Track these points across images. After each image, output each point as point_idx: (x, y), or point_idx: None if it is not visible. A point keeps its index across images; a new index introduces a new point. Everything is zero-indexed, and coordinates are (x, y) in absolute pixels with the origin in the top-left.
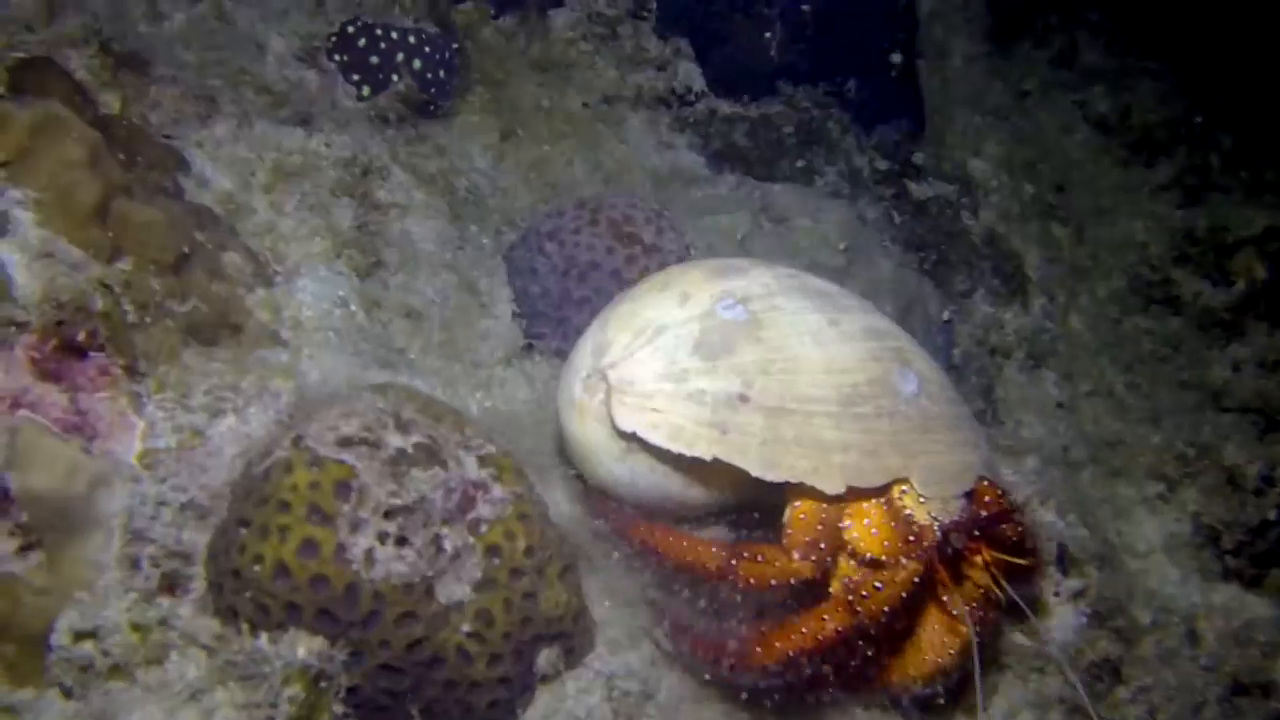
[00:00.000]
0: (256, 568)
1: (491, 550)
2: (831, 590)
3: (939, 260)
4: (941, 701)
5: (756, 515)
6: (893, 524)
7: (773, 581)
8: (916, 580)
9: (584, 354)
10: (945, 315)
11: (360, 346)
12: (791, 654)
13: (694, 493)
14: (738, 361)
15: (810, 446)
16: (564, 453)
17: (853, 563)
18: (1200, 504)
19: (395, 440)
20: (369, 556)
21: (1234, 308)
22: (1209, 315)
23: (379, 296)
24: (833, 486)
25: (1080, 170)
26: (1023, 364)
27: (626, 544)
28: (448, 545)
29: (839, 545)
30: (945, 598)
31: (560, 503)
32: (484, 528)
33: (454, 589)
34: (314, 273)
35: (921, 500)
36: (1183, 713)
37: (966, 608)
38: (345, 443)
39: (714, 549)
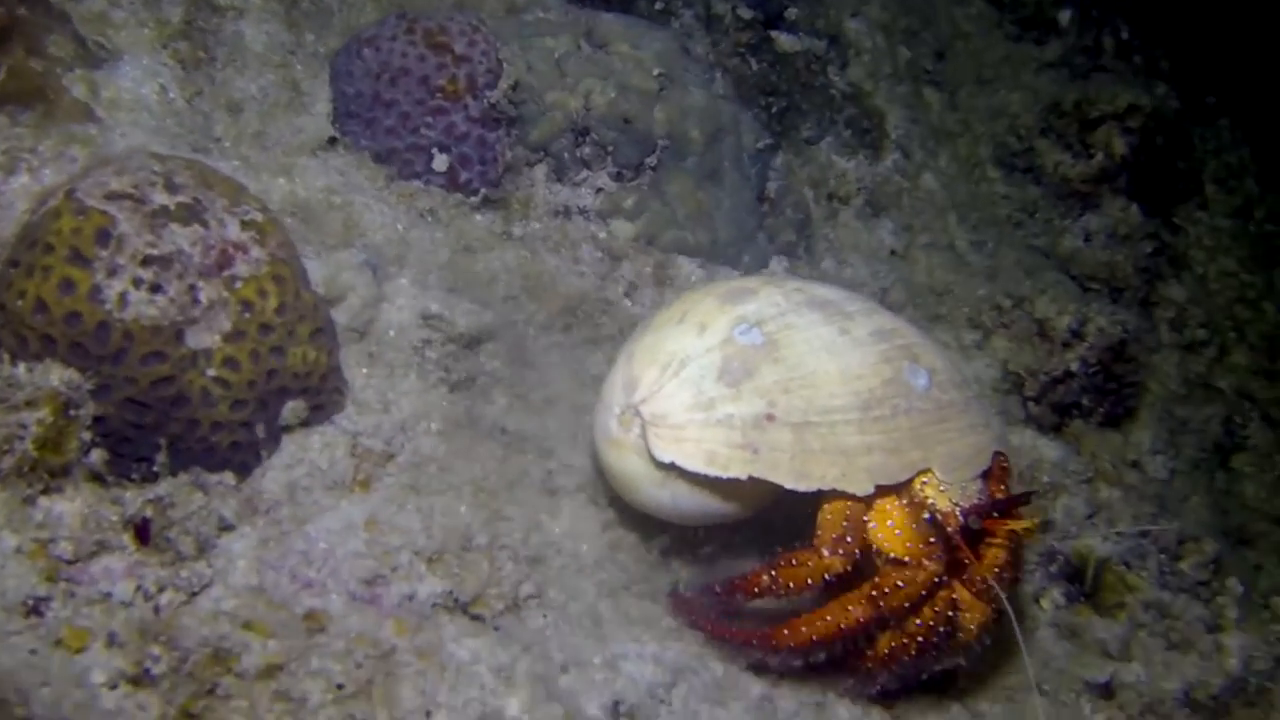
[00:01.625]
0: (19, 302)
1: (244, 305)
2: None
3: (788, 107)
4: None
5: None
6: (914, 524)
7: (809, 580)
8: (936, 580)
9: (615, 390)
10: (759, 144)
11: (174, 131)
12: (814, 639)
13: (731, 506)
14: (760, 384)
15: (836, 454)
16: (603, 478)
17: (878, 561)
18: (1009, 352)
19: (160, 198)
20: (122, 299)
21: (1091, 179)
22: (1066, 185)
23: (201, 87)
24: (861, 488)
25: (967, 41)
26: (860, 211)
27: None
28: (202, 297)
29: (866, 540)
30: (968, 576)
31: None
32: (238, 284)
33: (204, 337)
34: (138, 60)
35: (943, 488)
36: None
37: (991, 583)
38: (112, 196)
39: (759, 571)
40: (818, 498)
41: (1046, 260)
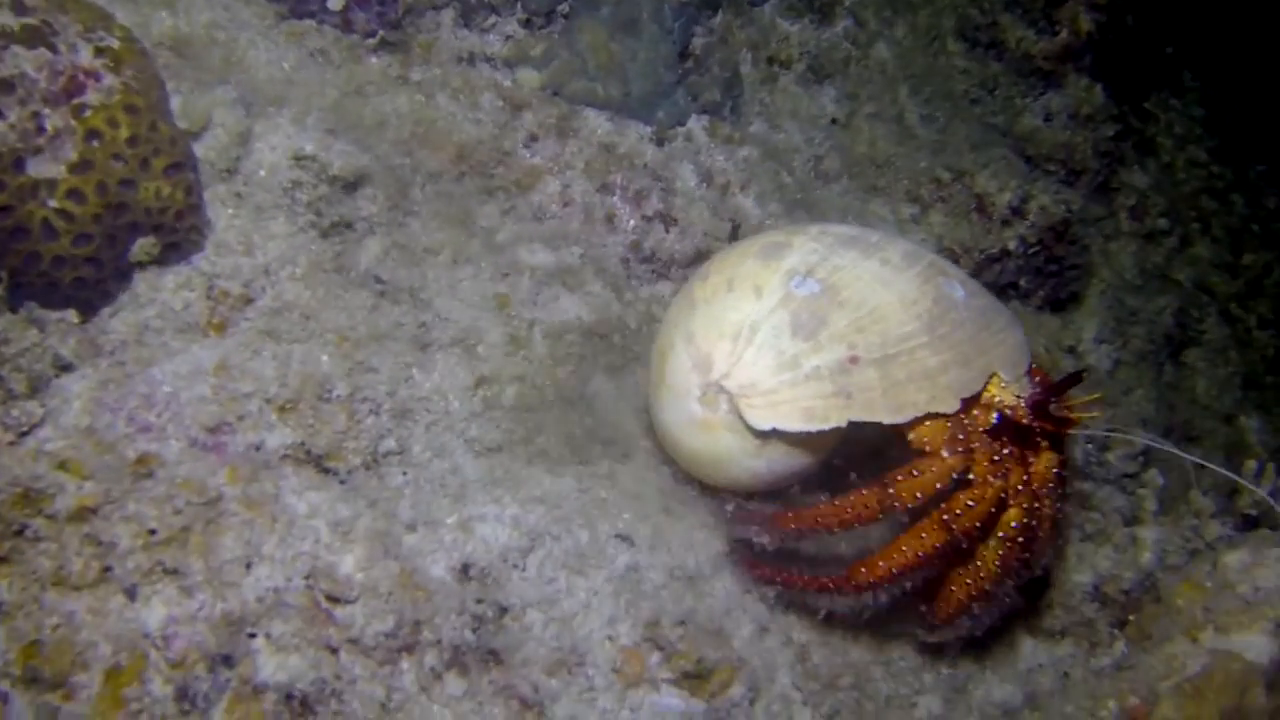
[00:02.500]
0: None
1: (92, 134)
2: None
3: None
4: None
5: None
6: (984, 446)
7: (938, 484)
8: (1002, 495)
9: (683, 372)
10: None
11: None
12: (893, 572)
13: (819, 457)
14: (834, 330)
15: (922, 379)
16: (685, 464)
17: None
18: (945, 227)
19: (5, 19)
20: None
21: (1054, 56)
22: (1028, 62)
23: None
24: (950, 406)
25: None
26: (802, 76)
27: (780, 538)
28: (46, 125)
29: (970, 441)
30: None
31: None
32: (87, 112)
33: (47, 167)
34: None
35: (1005, 385)
36: None
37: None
38: None
39: (864, 493)
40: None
41: (1002, 138)
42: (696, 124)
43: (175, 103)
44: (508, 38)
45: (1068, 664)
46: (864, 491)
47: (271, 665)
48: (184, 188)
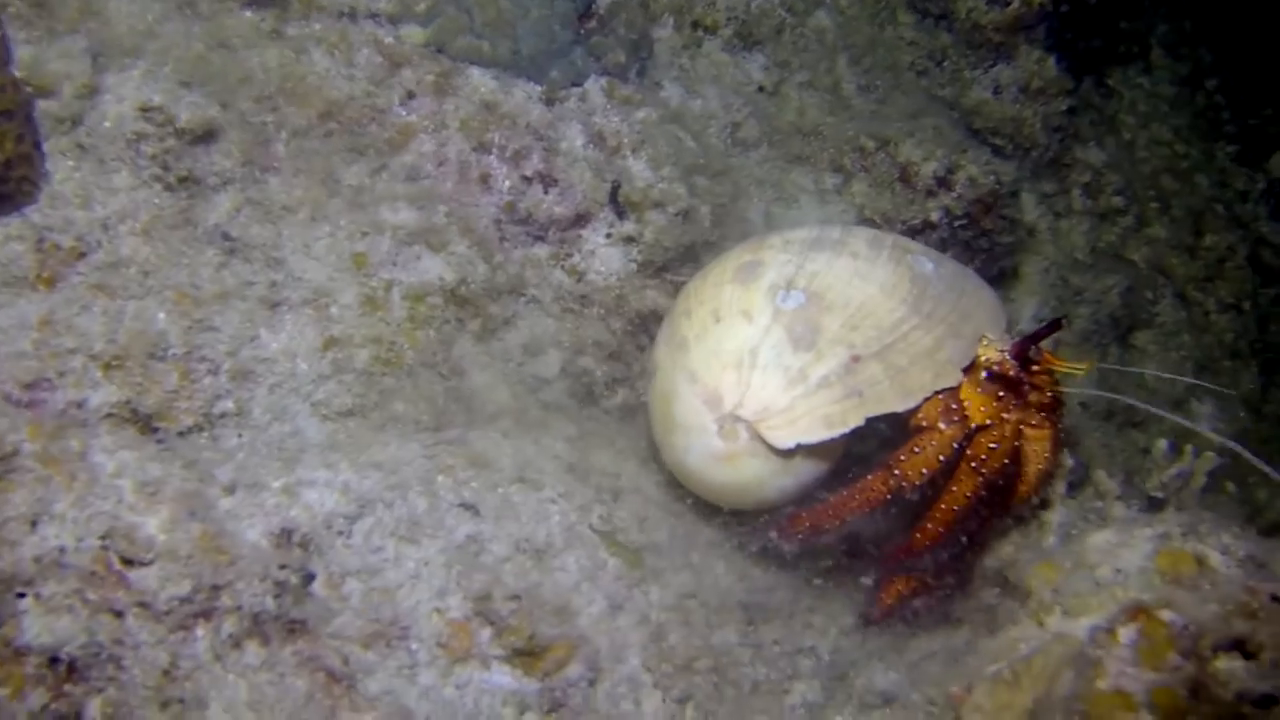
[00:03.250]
0: None
1: None
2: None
3: None
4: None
5: None
6: (980, 391)
7: (941, 456)
8: (1021, 427)
9: (694, 412)
10: None
11: None
12: (945, 529)
13: (837, 457)
14: (830, 335)
15: (923, 359)
16: (713, 498)
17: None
18: (867, 197)
19: None
20: None
21: (1005, 27)
22: (979, 33)
23: None
24: (954, 379)
25: None
26: (729, 42)
27: (800, 541)
28: None
29: (965, 414)
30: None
31: None
32: None
33: None
34: None
35: (989, 342)
36: None
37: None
38: None
39: (871, 479)
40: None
41: (948, 110)
42: (594, 85)
43: (24, 52)
44: None
45: (962, 651)
46: (870, 478)
47: (37, 627)
48: (14, 137)
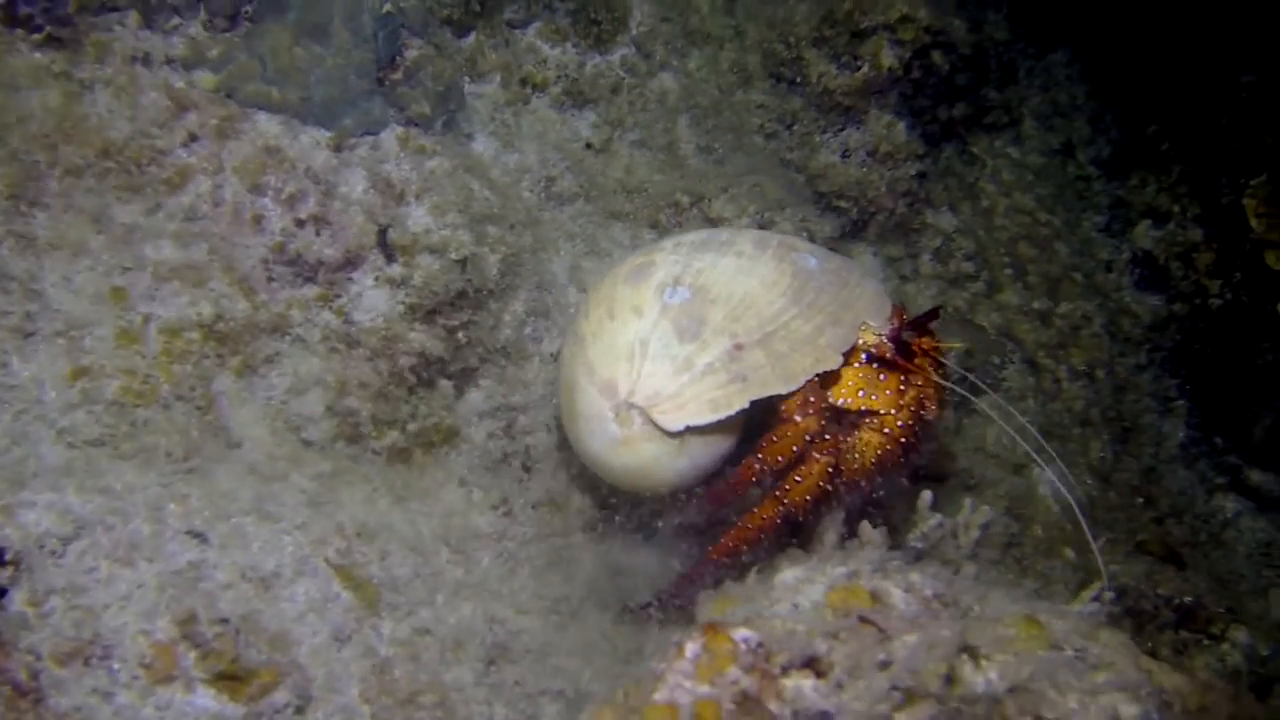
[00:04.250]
0: None
1: None
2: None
3: None
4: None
5: None
6: (863, 375)
7: (794, 447)
8: (917, 401)
9: (593, 402)
10: (384, 7)
11: None
12: (870, 475)
13: (732, 439)
14: (714, 325)
15: (803, 345)
16: (618, 482)
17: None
18: None
19: None
20: None
21: (854, 92)
22: (829, 98)
23: None
24: (834, 362)
25: None
26: (557, 100)
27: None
28: None
29: (824, 404)
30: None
31: None
32: None
33: None
34: None
35: (871, 329)
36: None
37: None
38: None
39: (744, 466)
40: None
41: (795, 173)
42: (390, 133)
43: None
44: (191, 39)
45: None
46: (742, 466)
47: None
48: None
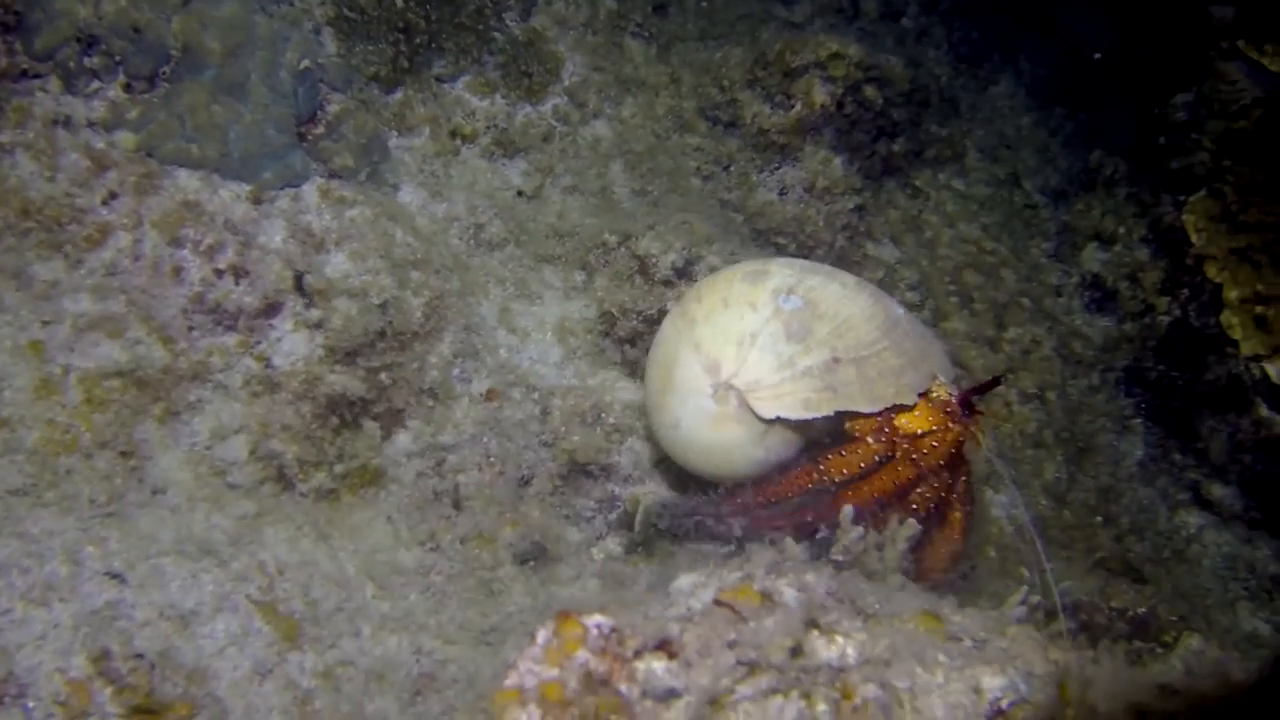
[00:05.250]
0: None
1: None
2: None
3: (424, 45)
4: None
5: None
6: (931, 411)
7: (861, 464)
8: (960, 440)
9: (695, 376)
10: (302, 64)
11: None
12: (874, 498)
13: (800, 443)
14: (818, 336)
15: (889, 375)
16: (695, 459)
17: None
18: (607, 290)
19: None
20: None
21: (788, 130)
22: (764, 137)
23: None
24: (911, 398)
25: None
26: (486, 150)
27: (747, 518)
28: None
29: (894, 433)
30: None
31: None
32: None
33: None
34: None
35: (942, 383)
36: (509, 483)
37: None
38: None
39: (804, 472)
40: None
41: (734, 213)
42: (310, 186)
43: None
44: (112, 102)
45: None
46: (802, 473)
47: None
48: None
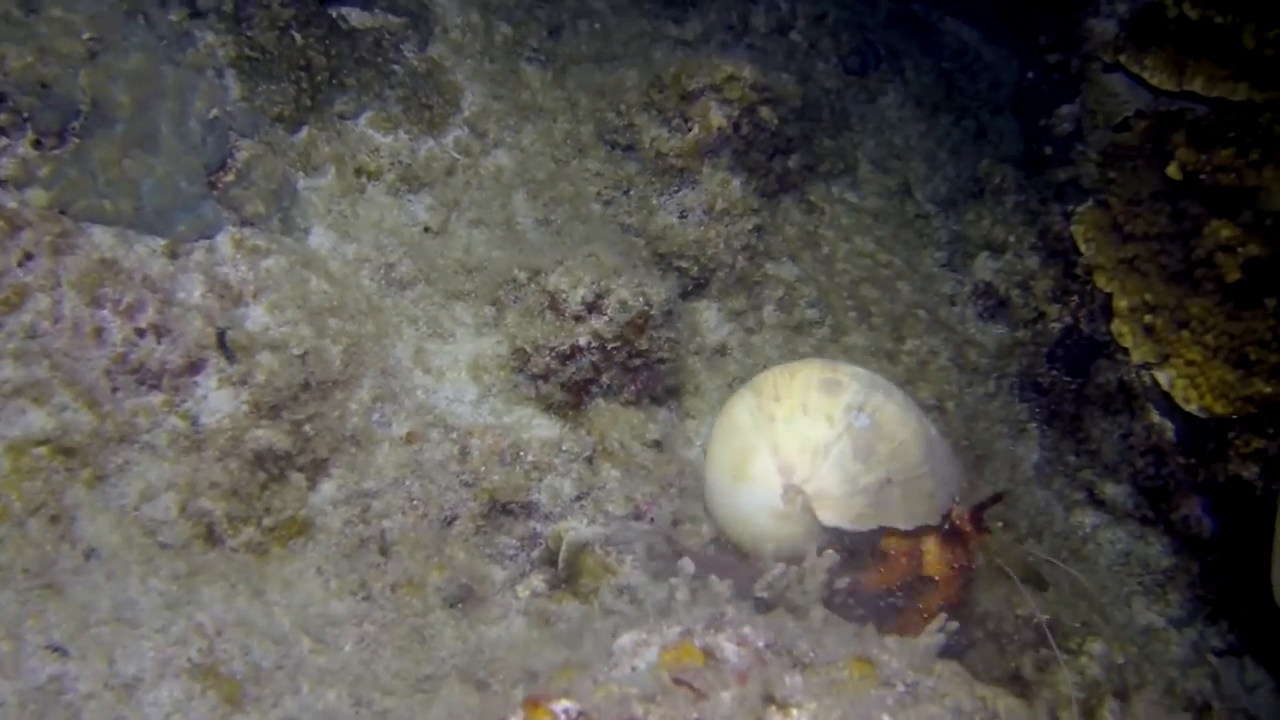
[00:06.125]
0: None
1: None
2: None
3: (326, 82)
4: None
5: None
6: (951, 534)
7: (897, 579)
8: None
9: (768, 473)
10: (211, 113)
11: None
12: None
13: (833, 541)
14: (878, 457)
15: (925, 498)
16: (747, 540)
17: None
18: (518, 327)
19: None
20: None
21: (686, 153)
22: (662, 161)
23: None
24: (936, 520)
25: (592, 20)
26: (392, 186)
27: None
28: None
29: (921, 553)
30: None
31: None
32: None
33: None
34: None
35: (959, 506)
36: (432, 526)
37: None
38: None
39: (878, 574)
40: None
41: (635, 238)
42: (224, 236)
43: None
44: (20, 159)
45: None
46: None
47: None
48: None
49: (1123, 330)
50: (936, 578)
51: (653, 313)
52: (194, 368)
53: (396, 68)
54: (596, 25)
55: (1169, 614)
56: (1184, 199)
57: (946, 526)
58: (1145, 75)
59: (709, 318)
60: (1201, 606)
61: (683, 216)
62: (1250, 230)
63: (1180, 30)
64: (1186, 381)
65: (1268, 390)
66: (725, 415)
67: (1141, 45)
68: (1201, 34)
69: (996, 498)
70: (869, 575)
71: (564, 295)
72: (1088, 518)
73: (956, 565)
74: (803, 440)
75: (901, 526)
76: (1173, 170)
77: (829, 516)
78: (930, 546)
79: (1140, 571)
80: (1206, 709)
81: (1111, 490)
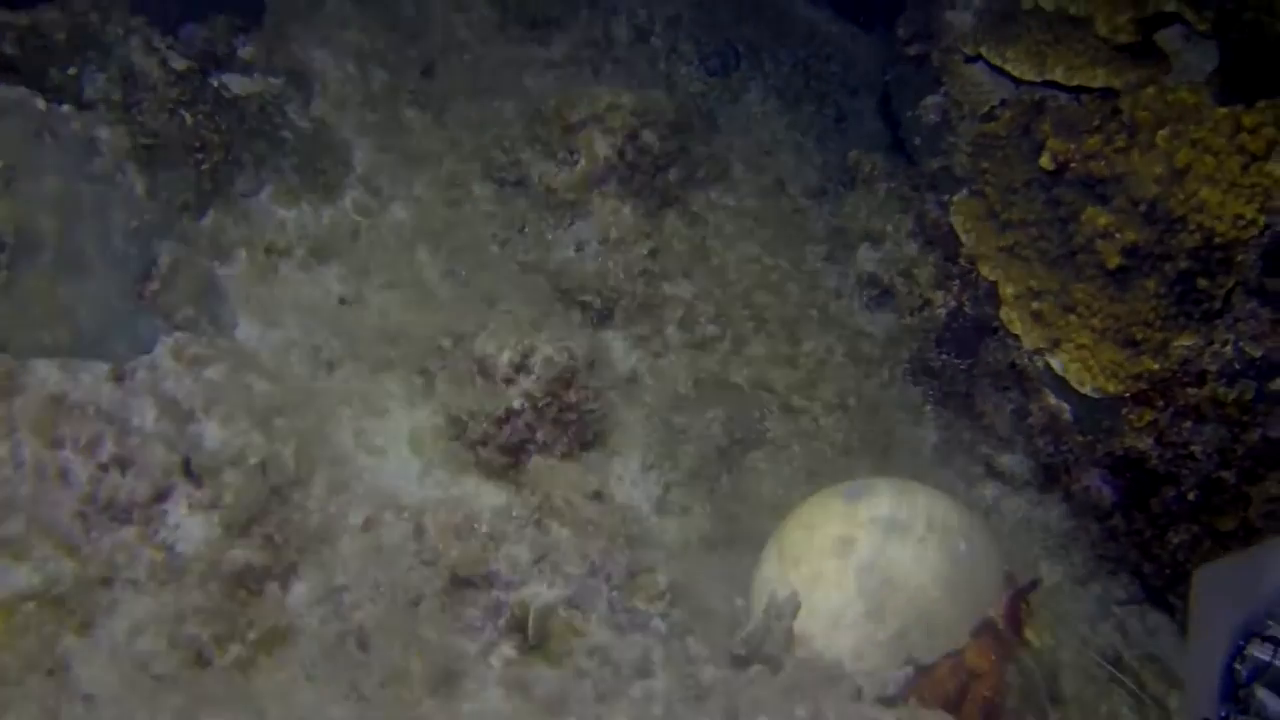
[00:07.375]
0: None
1: None
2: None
3: (223, 161)
4: None
5: None
6: (981, 644)
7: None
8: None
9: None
10: (132, 224)
11: None
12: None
13: None
14: (892, 609)
15: (947, 631)
16: None
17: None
18: (450, 395)
19: None
20: None
21: (575, 186)
22: (553, 195)
23: None
24: (960, 644)
25: (462, 51)
26: (303, 262)
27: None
28: None
29: (961, 671)
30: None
31: None
32: None
33: None
34: None
35: (992, 615)
36: (402, 610)
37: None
38: None
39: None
40: None
41: (536, 276)
42: (162, 349)
43: None
44: None
45: None
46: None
47: None
48: None
49: (1011, 317)
50: (980, 673)
51: (577, 366)
52: (161, 496)
53: (286, 134)
54: (466, 56)
55: (1073, 573)
56: (1058, 186)
57: (984, 631)
58: (1007, 67)
59: (616, 348)
60: (1103, 563)
61: (579, 249)
62: (1125, 216)
63: (1037, 21)
64: (1079, 365)
65: (1155, 367)
66: (760, 569)
67: (1001, 37)
68: (1058, 24)
69: (1031, 584)
70: (922, 688)
71: (491, 359)
72: (989, 490)
73: (998, 657)
74: (816, 612)
75: (926, 660)
76: (1045, 161)
77: (849, 666)
78: (970, 652)
79: (1043, 535)
80: (1118, 659)
81: (1007, 460)
